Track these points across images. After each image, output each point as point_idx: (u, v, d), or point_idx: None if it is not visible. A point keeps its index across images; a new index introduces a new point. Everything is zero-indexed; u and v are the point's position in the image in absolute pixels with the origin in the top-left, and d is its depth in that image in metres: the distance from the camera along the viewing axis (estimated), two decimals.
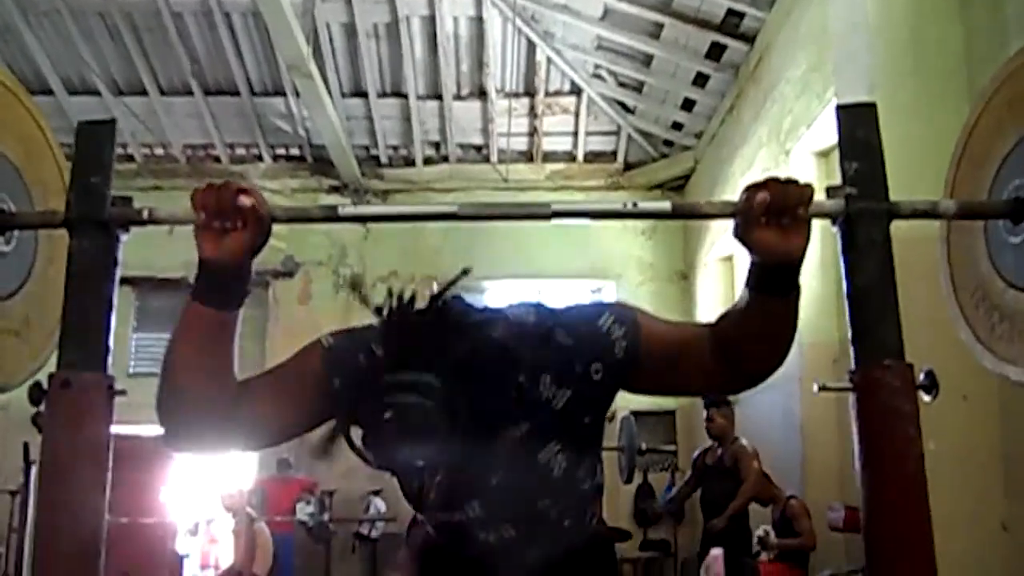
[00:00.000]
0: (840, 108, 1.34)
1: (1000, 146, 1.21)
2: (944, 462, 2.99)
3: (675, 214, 1.24)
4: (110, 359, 1.38)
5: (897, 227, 1.26)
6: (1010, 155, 1.17)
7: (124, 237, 1.44)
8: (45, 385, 1.38)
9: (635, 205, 1.21)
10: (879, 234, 1.28)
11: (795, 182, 1.03)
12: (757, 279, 1.07)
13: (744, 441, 5.20)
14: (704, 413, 5.26)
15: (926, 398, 1.25)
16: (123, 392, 1.43)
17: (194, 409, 1.08)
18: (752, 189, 1.02)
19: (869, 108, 1.34)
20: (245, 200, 1.01)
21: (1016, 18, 3.37)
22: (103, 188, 1.38)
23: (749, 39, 6.39)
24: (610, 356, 1.12)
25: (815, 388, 1.33)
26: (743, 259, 5.95)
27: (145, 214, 1.20)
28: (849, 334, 1.31)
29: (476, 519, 1.11)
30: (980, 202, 1.24)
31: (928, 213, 1.25)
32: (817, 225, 1.16)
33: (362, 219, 1.31)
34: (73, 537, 1.31)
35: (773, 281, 1.07)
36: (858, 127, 1.33)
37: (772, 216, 1.01)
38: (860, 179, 1.29)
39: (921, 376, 1.25)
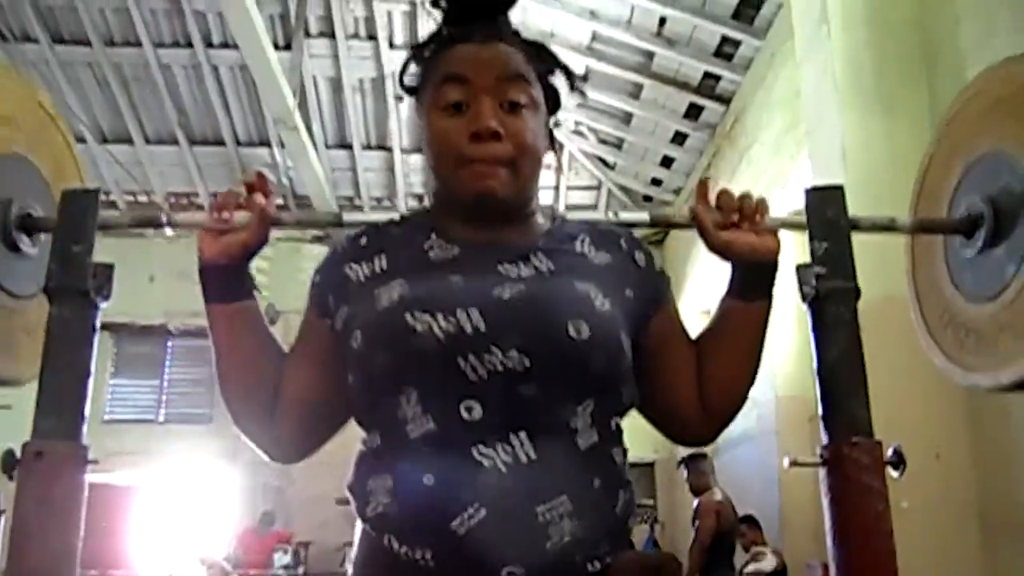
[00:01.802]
0: (808, 191, 1.39)
1: (951, 177, 1.26)
2: (918, 520, 3.02)
3: (653, 223, 1.19)
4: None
5: (868, 303, 1.29)
6: (961, 182, 1.24)
7: (104, 304, 1.45)
8: (18, 453, 1.38)
9: (616, 215, 1.18)
10: (847, 312, 1.32)
11: (750, 195, 1.02)
12: (736, 282, 1.01)
13: (713, 494, 5.20)
14: (683, 471, 5.30)
15: (894, 474, 1.28)
16: (95, 461, 1.43)
17: (246, 415, 1.01)
18: (723, 194, 1.01)
19: (836, 190, 1.39)
20: (256, 197, 0.98)
21: None
22: (84, 257, 1.39)
23: (725, 100, 6.58)
24: (643, 286, 0.99)
25: (786, 463, 1.35)
26: None
27: (164, 217, 1.18)
28: (819, 410, 1.34)
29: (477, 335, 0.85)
30: (933, 219, 1.27)
31: (887, 227, 1.29)
32: (795, 281, 1.19)
33: (365, 223, 1.10)
34: None
35: (754, 283, 1.00)
36: (827, 208, 1.38)
37: (734, 221, 0.99)
38: (829, 259, 1.33)
39: (889, 452, 1.28)
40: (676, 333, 1.01)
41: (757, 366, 1.02)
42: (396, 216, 1.02)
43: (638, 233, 1.06)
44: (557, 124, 1.01)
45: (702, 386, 1.00)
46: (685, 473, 5.37)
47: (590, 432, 0.87)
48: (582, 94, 1.03)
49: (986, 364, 1.15)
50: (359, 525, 0.89)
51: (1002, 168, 1.10)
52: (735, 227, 0.98)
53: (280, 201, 8.86)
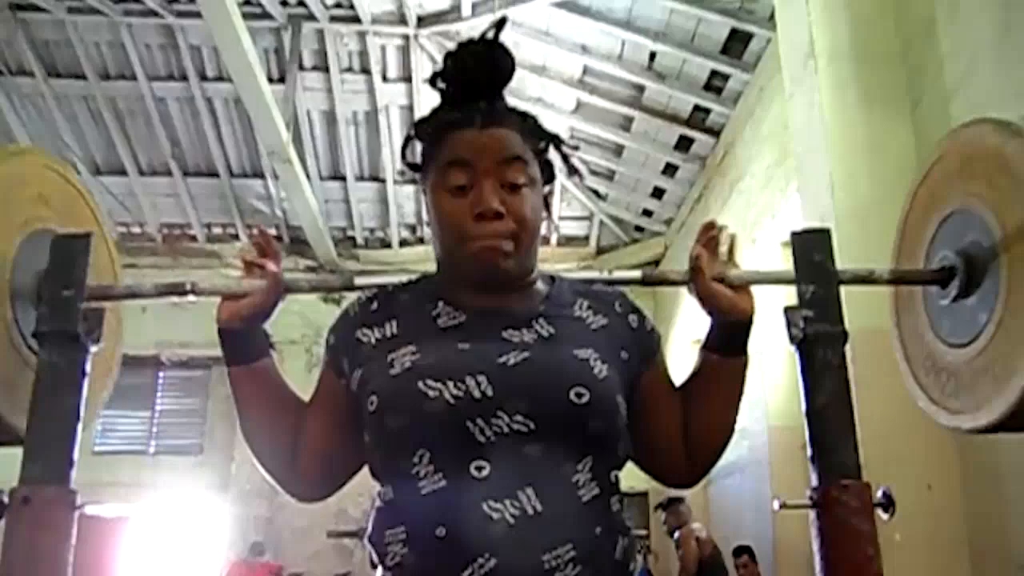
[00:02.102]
0: (795, 234, 1.41)
1: (927, 231, 1.33)
2: (911, 551, 3.01)
3: (644, 282, 1.26)
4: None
5: (859, 335, 1.31)
6: (935, 236, 1.31)
7: (94, 348, 1.45)
8: (6, 499, 1.36)
9: (610, 272, 1.26)
10: (835, 356, 1.33)
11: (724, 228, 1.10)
12: (713, 337, 1.08)
13: (691, 525, 5.29)
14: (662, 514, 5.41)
15: (884, 516, 1.28)
16: (83, 506, 1.42)
17: (270, 461, 1.07)
18: (700, 250, 1.08)
19: (823, 233, 1.41)
20: (269, 264, 1.05)
21: (960, 119, 3.56)
22: (75, 302, 1.39)
23: (715, 133, 6.65)
24: (637, 347, 1.06)
25: (776, 506, 1.36)
26: None
27: (188, 285, 1.23)
28: (809, 452, 1.35)
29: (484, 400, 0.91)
30: (910, 270, 1.34)
31: (866, 279, 1.33)
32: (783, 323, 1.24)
33: (375, 286, 1.16)
34: None
35: (731, 339, 1.07)
36: (814, 251, 1.39)
37: (715, 262, 1.06)
38: (816, 302, 1.34)
39: (879, 494, 1.28)
40: (664, 387, 1.08)
41: (736, 415, 1.10)
42: (404, 280, 1.09)
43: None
44: (551, 193, 1.08)
45: (686, 434, 1.08)
46: (663, 516, 5.47)
47: (591, 485, 0.93)
48: (573, 170, 1.11)
49: (966, 407, 1.22)
50: (379, 573, 0.95)
51: (970, 224, 1.20)
52: (722, 282, 1.05)
53: (273, 231, 8.88)
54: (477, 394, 0.90)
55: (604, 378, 0.95)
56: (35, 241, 1.24)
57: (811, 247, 1.39)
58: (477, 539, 0.86)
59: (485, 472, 0.89)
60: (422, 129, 1.05)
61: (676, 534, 5.32)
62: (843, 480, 1.27)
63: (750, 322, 1.07)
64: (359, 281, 1.15)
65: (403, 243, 8.75)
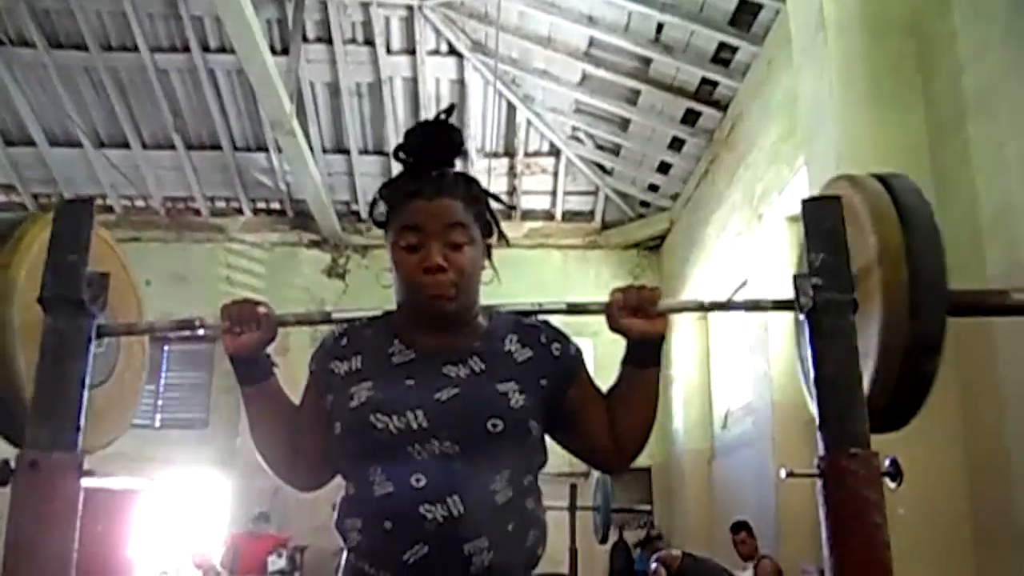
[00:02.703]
0: (806, 201, 1.40)
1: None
2: (915, 527, 3.02)
3: (569, 311, 1.44)
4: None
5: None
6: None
7: (99, 314, 1.45)
8: (13, 464, 1.36)
9: (539, 306, 1.43)
10: (844, 323, 1.32)
11: (645, 287, 1.31)
12: (629, 354, 1.32)
13: (662, 554, 5.74)
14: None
15: (891, 485, 1.28)
16: (91, 473, 1.42)
17: (276, 463, 1.34)
18: (615, 292, 1.31)
19: (834, 201, 1.39)
20: (260, 309, 1.33)
21: (974, 98, 3.52)
22: (80, 267, 1.39)
23: (723, 107, 6.59)
24: (557, 373, 1.29)
25: (783, 474, 1.35)
26: (717, 319, 5.99)
27: (198, 322, 1.48)
28: (816, 421, 1.34)
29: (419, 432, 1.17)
30: (790, 299, 1.41)
31: (756, 307, 1.57)
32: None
33: (348, 320, 1.42)
34: None
35: (642, 356, 1.31)
36: (824, 219, 1.38)
37: (634, 309, 1.29)
38: (826, 270, 1.33)
39: (886, 463, 1.28)
40: (590, 396, 1.32)
41: (654, 413, 1.32)
42: (369, 316, 1.36)
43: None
44: (491, 246, 1.32)
45: (613, 431, 1.31)
46: (640, 553, 6.17)
47: (506, 491, 1.18)
48: (503, 237, 1.34)
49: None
50: (343, 553, 1.23)
51: None
52: (633, 315, 1.29)
53: (277, 205, 8.85)
54: (415, 426, 1.16)
55: (519, 407, 1.20)
56: None
57: (821, 215, 1.37)
58: (414, 532, 1.13)
59: (422, 483, 1.14)
60: (384, 194, 1.28)
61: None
62: (851, 449, 1.26)
63: (661, 341, 1.31)
64: (336, 315, 1.42)
65: None
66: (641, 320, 1.29)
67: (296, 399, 1.34)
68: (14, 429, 1.39)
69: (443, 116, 1.31)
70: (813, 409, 1.38)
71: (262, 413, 1.32)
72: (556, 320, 1.39)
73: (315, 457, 1.29)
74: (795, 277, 1.38)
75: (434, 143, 1.28)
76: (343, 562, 1.23)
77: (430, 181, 1.24)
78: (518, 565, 1.19)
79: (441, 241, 1.21)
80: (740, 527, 5.41)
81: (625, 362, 1.32)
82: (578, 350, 1.33)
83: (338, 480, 1.29)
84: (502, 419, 1.18)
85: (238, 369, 1.32)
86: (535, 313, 1.39)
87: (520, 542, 1.19)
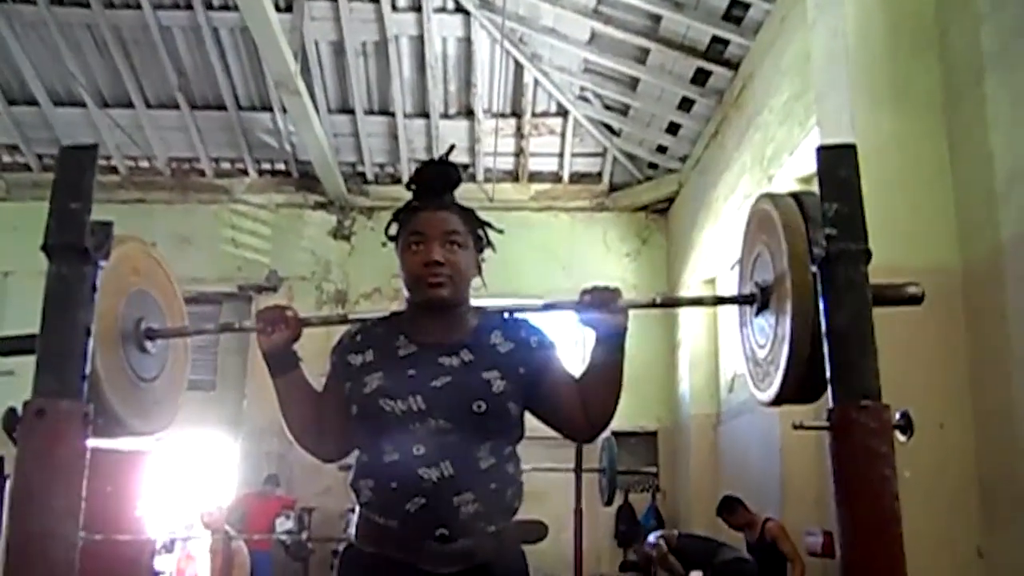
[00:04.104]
0: (821, 148, 1.36)
1: (749, 264, 1.73)
2: (921, 490, 3.02)
3: (545, 308, 1.63)
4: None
5: (871, 271, 1.27)
6: (752, 269, 1.70)
7: (103, 263, 1.43)
8: (20, 411, 1.36)
9: (516, 309, 1.66)
10: (858, 275, 1.29)
11: (608, 288, 1.53)
12: (597, 344, 1.54)
13: (658, 544, 5.89)
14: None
15: (901, 438, 1.27)
16: (95, 420, 1.41)
17: (303, 437, 1.61)
18: (584, 292, 1.53)
19: (849, 149, 1.36)
20: (287, 312, 1.58)
21: (991, 51, 3.44)
22: (83, 214, 1.37)
23: (733, 66, 6.47)
24: (533, 362, 1.55)
25: (792, 426, 1.34)
26: (726, 282, 5.97)
27: (237, 324, 1.84)
28: (827, 372, 1.32)
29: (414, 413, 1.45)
30: (728, 296, 1.78)
31: (696, 302, 1.68)
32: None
33: (362, 320, 1.65)
34: (44, 569, 1.29)
35: (607, 346, 1.53)
36: (839, 167, 1.35)
37: (599, 306, 1.51)
38: (840, 220, 1.31)
39: (897, 416, 1.27)
40: (563, 380, 1.57)
41: (619, 392, 1.54)
42: (379, 316, 1.63)
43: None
44: (484, 260, 1.61)
45: (585, 408, 1.56)
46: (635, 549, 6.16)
47: (489, 458, 1.47)
48: (491, 246, 1.62)
49: (763, 387, 1.66)
50: (357, 507, 1.53)
51: (763, 263, 1.63)
52: (598, 311, 1.52)
53: (282, 167, 8.80)
54: (415, 408, 1.45)
55: (500, 392, 1.48)
56: (132, 299, 1.68)
57: (836, 163, 1.35)
58: (414, 489, 1.42)
59: (421, 452, 1.44)
60: (397, 215, 1.59)
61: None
62: (862, 401, 1.25)
63: (623, 333, 1.53)
64: (352, 316, 1.67)
65: None
66: (606, 315, 1.51)
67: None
68: (99, 427, 1.52)
69: (445, 156, 1.62)
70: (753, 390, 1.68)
71: (292, 398, 1.59)
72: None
73: (338, 433, 1.58)
74: (808, 227, 1.36)
75: (438, 176, 1.58)
76: (356, 514, 1.53)
77: (434, 200, 1.56)
78: (497, 514, 1.47)
79: (440, 243, 1.50)
80: (726, 503, 5.43)
81: (594, 351, 1.55)
82: (552, 343, 1.60)
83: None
84: (485, 401, 1.45)
85: (270, 363, 1.58)
86: (516, 311, 1.63)
87: (500, 497, 1.48)
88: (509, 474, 1.50)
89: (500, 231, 1.64)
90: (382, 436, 1.46)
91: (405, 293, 1.56)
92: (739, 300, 1.71)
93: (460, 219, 1.56)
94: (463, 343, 1.53)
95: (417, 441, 1.43)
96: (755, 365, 1.70)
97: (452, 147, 1.73)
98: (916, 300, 1.42)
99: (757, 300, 1.62)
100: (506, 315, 1.62)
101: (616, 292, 1.53)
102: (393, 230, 1.59)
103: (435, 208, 1.54)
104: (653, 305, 1.77)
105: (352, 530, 1.55)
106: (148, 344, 1.69)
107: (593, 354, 1.56)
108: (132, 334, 1.65)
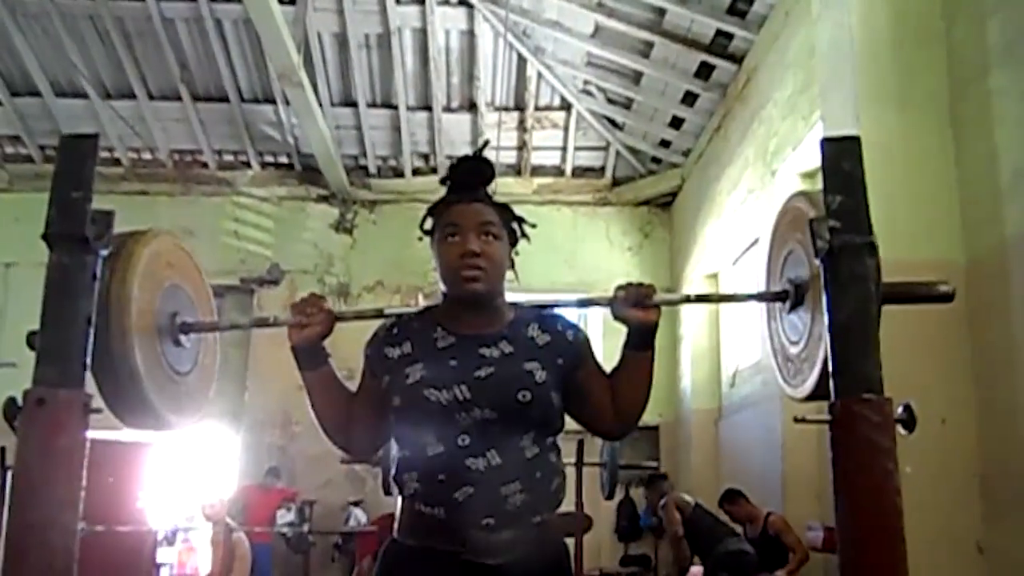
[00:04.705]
0: (825, 140, 1.36)
1: (779, 261, 1.75)
2: (922, 485, 3.01)
3: (580, 304, 1.70)
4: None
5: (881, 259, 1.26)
6: (783, 265, 1.72)
7: (104, 252, 1.43)
8: (20, 401, 1.36)
9: (556, 304, 1.73)
10: (861, 268, 1.29)
11: (643, 285, 1.54)
12: (629, 339, 1.56)
13: (672, 494, 5.78)
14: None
15: (903, 432, 1.26)
16: (99, 410, 1.41)
17: (336, 434, 1.60)
18: (619, 288, 1.55)
19: (853, 141, 1.35)
20: (323, 304, 1.57)
21: (997, 43, 3.42)
22: (83, 203, 1.37)
23: (737, 60, 6.45)
24: (570, 354, 1.56)
25: (793, 420, 1.34)
26: (729, 276, 5.96)
27: (271, 319, 1.72)
28: (829, 366, 1.32)
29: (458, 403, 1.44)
30: (761, 292, 1.78)
31: (726, 299, 1.61)
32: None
33: (397, 315, 1.64)
34: (44, 558, 1.29)
35: (639, 341, 1.55)
36: (843, 160, 1.34)
37: (633, 303, 1.53)
38: (843, 212, 1.30)
39: (899, 410, 1.26)
40: (596, 375, 1.58)
41: (649, 389, 1.57)
42: (415, 310, 1.63)
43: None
44: (517, 253, 1.62)
45: (615, 404, 1.57)
46: (645, 492, 5.83)
47: (532, 448, 1.48)
48: (526, 237, 1.63)
49: (796, 384, 1.66)
50: (399, 500, 1.52)
51: (797, 260, 1.64)
52: (632, 307, 1.53)
53: (285, 159, 8.79)
54: (460, 398, 1.44)
55: (542, 382, 1.48)
56: (167, 294, 1.69)
57: (840, 155, 1.34)
58: (462, 479, 1.42)
59: (467, 442, 1.44)
60: (432, 208, 1.59)
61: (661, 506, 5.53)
62: (864, 394, 1.24)
63: (654, 329, 1.54)
64: (387, 311, 1.66)
65: (416, 172, 8.63)
66: (639, 311, 1.52)
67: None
68: (137, 419, 1.59)
69: (480, 151, 1.62)
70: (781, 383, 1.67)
71: (320, 393, 1.58)
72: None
73: (371, 428, 1.58)
74: (811, 221, 1.35)
75: (473, 170, 1.58)
76: (400, 507, 1.53)
77: (469, 193, 1.56)
78: (543, 503, 1.48)
79: (476, 234, 1.50)
80: (729, 495, 5.42)
81: (626, 346, 1.57)
82: (587, 337, 1.61)
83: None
84: (530, 391, 1.45)
85: (300, 358, 1.57)
86: (553, 306, 1.67)
87: (546, 486, 1.48)
88: (552, 463, 1.50)
89: (534, 226, 1.63)
90: (425, 427, 1.45)
91: (441, 287, 1.55)
92: (772, 297, 1.71)
93: (495, 211, 1.56)
94: (502, 335, 1.53)
95: (462, 431, 1.43)
96: (786, 361, 1.70)
97: (487, 142, 1.77)
98: (947, 298, 1.42)
99: (790, 297, 1.62)
100: (542, 309, 1.63)
101: (651, 289, 1.54)
102: (427, 224, 1.59)
103: (470, 200, 1.54)
104: (687, 301, 1.81)
105: (396, 525, 1.54)
106: (183, 338, 1.70)
107: (625, 350, 1.56)
108: (168, 328, 1.66)
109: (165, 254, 1.71)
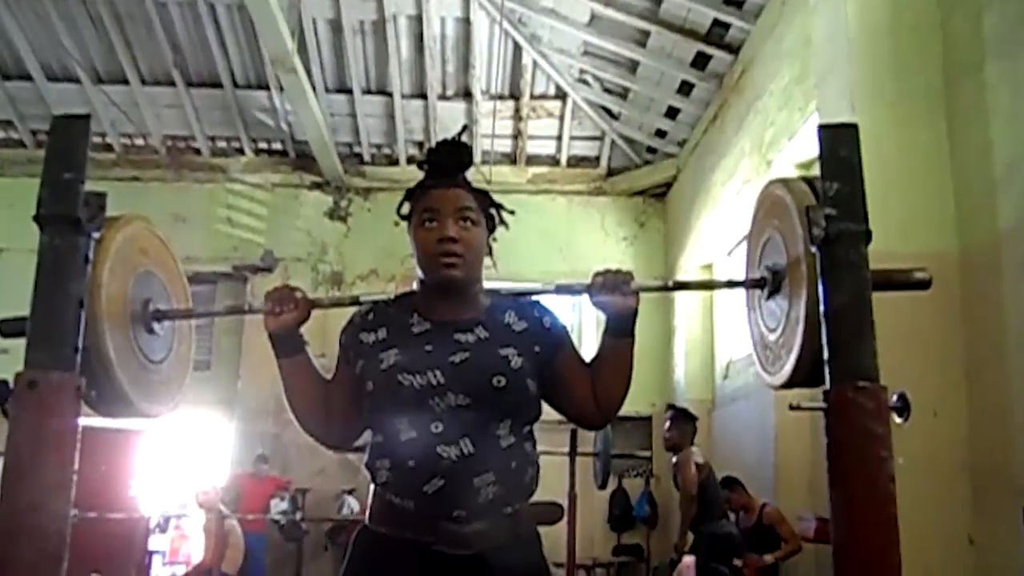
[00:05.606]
0: (822, 127, 1.35)
1: (758, 248, 1.75)
2: (913, 477, 3.01)
3: (557, 291, 1.64)
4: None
5: (872, 252, 1.26)
6: (761, 253, 1.72)
7: (96, 234, 1.42)
8: (11, 383, 1.35)
9: (531, 293, 1.64)
10: (857, 255, 1.29)
11: (620, 271, 1.51)
12: (608, 326, 1.53)
13: (690, 452, 5.18)
14: (666, 423, 5.36)
15: (898, 420, 1.26)
16: (87, 393, 1.40)
17: (312, 425, 1.57)
18: (596, 275, 1.51)
19: (851, 128, 1.35)
20: (297, 293, 1.55)
21: (993, 35, 3.42)
22: (76, 184, 1.35)
23: (734, 50, 6.43)
24: (547, 341, 1.54)
25: (788, 407, 1.34)
26: (723, 267, 5.97)
27: (247, 306, 1.73)
28: (824, 354, 1.32)
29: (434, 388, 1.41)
30: (739, 280, 1.75)
31: (706, 285, 1.56)
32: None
33: (373, 302, 1.61)
34: (35, 542, 1.28)
35: (618, 328, 1.52)
36: (840, 147, 1.34)
37: (611, 289, 1.49)
38: (840, 200, 1.30)
39: (894, 398, 1.26)
40: (575, 363, 1.55)
41: (630, 378, 1.54)
42: (391, 296, 1.61)
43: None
44: (495, 239, 1.59)
45: (595, 392, 1.54)
46: (668, 424, 5.36)
47: (508, 437, 1.45)
48: (504, 224, 1.60)
49: (774, 371, 1.65)
50: (372, 487, 1.49)
51: (775, 247, 1.64)
52: (610, 294, 1.50)
53: (279, 146, 8.75)
54: (434, 383, 1.42)
55: (518, 368, 1.45)
56: (140, 280, 1.66)
57: (837, 142, 1.34)
58: (433, 468, 1.39)
59: (439, 429, 1.40)
60: (410, 193, 1.57)
61: (674, 458, 5.34)
62: (859, 382, 1.25)
63: (633, 315, 1.51)
64: (363, 298, 1.63)
65: (410, 160, 8.59)
66: (617, 297, 1.50)
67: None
68: (109, 407, 1.56)
69: (458, 136, 1.60)
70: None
71: (297, 382, 1.55)
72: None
73: (347, 418, 1.54)
74: (807, 208, 1.35)
75: (450, 155, 1.56)
76: (371, 495, 1.50)
77: (446, 178, 1.53)
78: (516, 495, 1.45)
79: (454, 219, 1.48)
80: (725, 482, 5.39)
81: (605, 333, 1.54)
82: (564, 325, 1.59)
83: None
84: (504, 376, 1.42)
85: (276, 344, 1.55)
86: (530, 294, 1.64)
87: (520, 477, 1.46)
88: (527, 453, 1.48)
89: (512, 212, 1.60)
90: (398, 413, 1.43)
91: (418, 273, 1.53)
92: (751, 284, 1.71)
93: (473, 196, 1.53)
94: (477, 320, 1.50)
95: (435, 418, 1.40)
96: (764, 349, 1.71)
97: (465, 127, 1.74)
98: (924, 285, 1.41)
99: (768, 284, 1.62)
100: (518, 296, 1.61)
101: (628, 275, 1.51)
102: (405, 209, 1.56)
103: (448, 186, 1.52)
104: (665, 288, 1.75)
105: (367, 515, 1.52)
106: (156, 326, 1.68)
107: (604, 337, 1.54)
108: (140, 315, 1.63)
109: (139, 240, 1.67)
